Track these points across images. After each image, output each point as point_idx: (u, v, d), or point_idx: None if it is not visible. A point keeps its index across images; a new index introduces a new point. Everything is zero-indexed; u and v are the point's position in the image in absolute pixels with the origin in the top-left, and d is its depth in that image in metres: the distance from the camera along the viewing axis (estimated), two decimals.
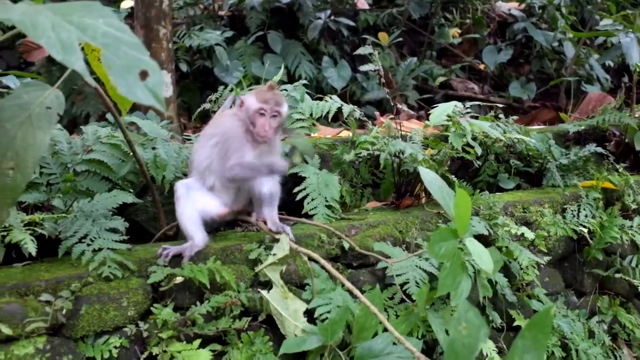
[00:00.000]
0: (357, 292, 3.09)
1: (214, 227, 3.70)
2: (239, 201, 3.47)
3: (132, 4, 7.46)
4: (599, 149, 5.10)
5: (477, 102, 4.74)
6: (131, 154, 3.55)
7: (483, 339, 1.71)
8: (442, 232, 2.80)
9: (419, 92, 8.65)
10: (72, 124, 6.98)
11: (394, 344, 3.05)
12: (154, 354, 2.88)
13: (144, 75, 1.76)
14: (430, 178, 2.85)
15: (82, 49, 2.69)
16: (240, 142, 3.30)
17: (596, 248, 4.64)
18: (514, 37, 9.53)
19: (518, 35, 9.43)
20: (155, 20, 6.31)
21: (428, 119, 4.30)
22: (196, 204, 3.31)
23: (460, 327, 1.71)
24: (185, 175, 3.63)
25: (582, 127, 5.66)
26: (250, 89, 4.52)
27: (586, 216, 4.65)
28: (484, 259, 2.79)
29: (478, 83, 9.46)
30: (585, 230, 4.52)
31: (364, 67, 4.18)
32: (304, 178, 3.97)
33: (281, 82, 5.36)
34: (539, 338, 1.66)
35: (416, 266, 3.52)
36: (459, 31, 9.63)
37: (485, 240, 3.99)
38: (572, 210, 4.68)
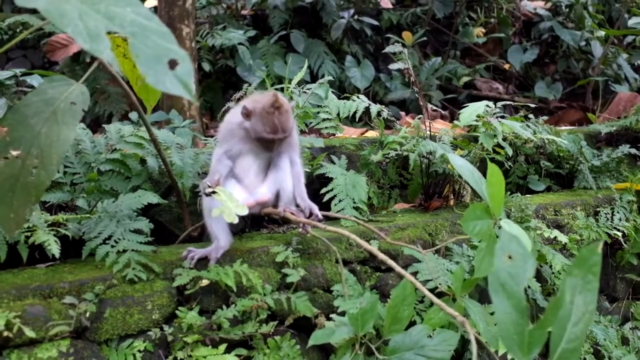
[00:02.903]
0: (397, 267, 2.95)
1: (239, 227, 3.64)
2: (265, 193, 3.32)
3: (155, 3, 7.43)
4: (633, 150, 4.97)
5: (504, 102, 4.63)
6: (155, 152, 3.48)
7: (530, 271, 1.59)
8: (476, 208, 2.64)
9: (442, 92, 8.54)
10: (95, 123, 6.97)
11: (429, 336, 2.91)
12: (178, 358, 2.81)
13: (172, 64, 1.69)
14: (460, 163, 2.73)
15: None
16: (234, 135, 3.23)
17: (630, 252, 4.52)
18: (540, 37, 9.38)
19: (544, 34, 9.28)
20: (178, 19, 6.28)
21: (452, 119, 4.21)
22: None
23: (503, 257, 1.58)
24: None
25: (614, 128, 5.53)
26: (275, 89, 4.45)
27: (620, 219, 4.53)
28: (522, 240, 2.65)
29: (503, 83, 9.32)
30: (620, 234, 4.39)
31: (393, 66, 4.09)
32: (331, 179, 3.88)
33: (304, 82, 5.29)
34: (590, 279, 1.53)
35: (447, 270, 3.42)
36: (484, 30, 9.50)
37: None
38: (605, 213, 4.56)
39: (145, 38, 1.66)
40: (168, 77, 1.64)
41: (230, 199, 2.93)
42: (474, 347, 2.00)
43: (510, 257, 1.59)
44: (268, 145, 3.14)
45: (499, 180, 2.56)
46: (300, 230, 3.38)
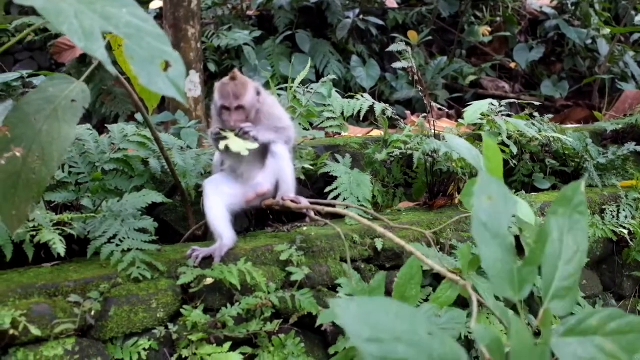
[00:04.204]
0: (397, 240, 2.91)
1: (244, 226, 3.65)
2: (264, 184, 3.36)
3: (161, 4, 7.46)
4: (639, 148, 4.94)
5: (510, 101, 4.63)
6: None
7: (512, 209, 1.54)
8: (475, 182, 2.62)
9: (448, 91, 8.53)
10: (102, 124, 7.00)
11: (438, 315, 2.89)
12: (183, 356, 2.82)
13: (166, 66, 1.71)
14: (457, 142, 2.71)
15: (109, 44, 2.65)
16: (216, 122, 3.36)
17: (637, 250, 4.49)
18: (546, 35, 9.35)
19: (550, 32, 9.26)
20: (184, 20, 6.29)
21: (458, 118, 4.20)
22: (224, 198, 3.26)
23: (483, 198, 1.53)
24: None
25: (620, 126, 5.50)
26: (279, 89, 4.47)
27: (626, 217, 4.51)
28: (524, 211, 2.63)
29: (509, 82, 9.30)
30: (626, 231, 4.37)
31: (397, 65, 4.09)
32: (336, 178, 3.88)
33: (309, 81, 5.29)
34: (578, 219, 1.50)
35: (453, 266, 3.41)
36: (489, 29, 9.47)
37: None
38: (611, 211, 4.53)
39: (140, 40, 1.68)
40: (161, 79, 1.66)
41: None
42: (474, 306, 1.95)
43: (490, 198, 1.55)
44: (227, 119, 3.21)
45: (495, 154, 2.52)
46: (307, 219, 3.41)
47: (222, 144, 3.05)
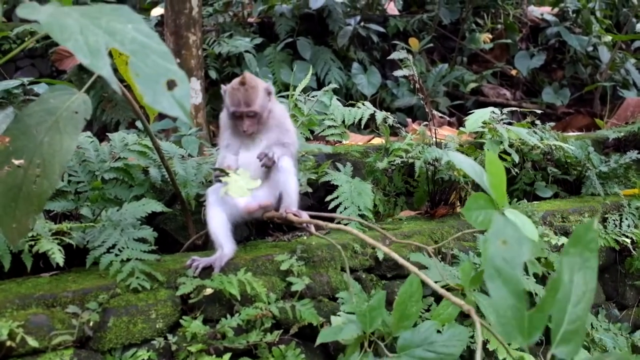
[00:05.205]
0: (401, 260, 2.92)
1: (244, 235, 3.63)
2: (267, 196, 3.36)
3: (162, 11, 7.46)
4: None
5: (511, 109, 4.61)
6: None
7: (526, 254, 1.55)
8: (479, 197, 2.58)
9: (449, 99, 8.52)
10: (103, 131, 6.99)
11: (439, 332, 2.86)
12: None
13: (171, 85, 1.69)
14: (460, 158, 2.70)
15: (110, 52, 2.64)
16: (227, 127, 3.38)
17: (639, 259, 4.47)
18: (547, 42, 9.35)
19: (551, 40, 9.26)
20: (185, 28, 6.29)
21: (459, 126, 4.18)
22: (226, 207, 3.24)
23: (497, 242, 1.54)
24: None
25: (622, 134, 5.49)
26: (280, 96, 4.45)
27: (629, 226, 4.49)
28: (527, 228, 2.60)
29: (510, 89, 9.29)
30: (628, 240, 4.35)
31: (397, 73, 4.07)
32: (336, 186, 3.87)
33: (310, 89, 5.28)
34: (588, 257, 1.50)
35: (455, 277, 3.40)
36: (490, 36, 9.47)
37: None
38: (613, 220, 4.52)
39: (145, 57, 1.66)
40: (165, 98, 1.64)
41: (243, 176, 3.07)
42: (478, 333, 1.94)
43: (504, 242, 1.55)
44: (239, 125, 3.22)
45: (498, 169, 2.51)
46: (305, 233, 3.41)
47: (222, 191, 3.04)
